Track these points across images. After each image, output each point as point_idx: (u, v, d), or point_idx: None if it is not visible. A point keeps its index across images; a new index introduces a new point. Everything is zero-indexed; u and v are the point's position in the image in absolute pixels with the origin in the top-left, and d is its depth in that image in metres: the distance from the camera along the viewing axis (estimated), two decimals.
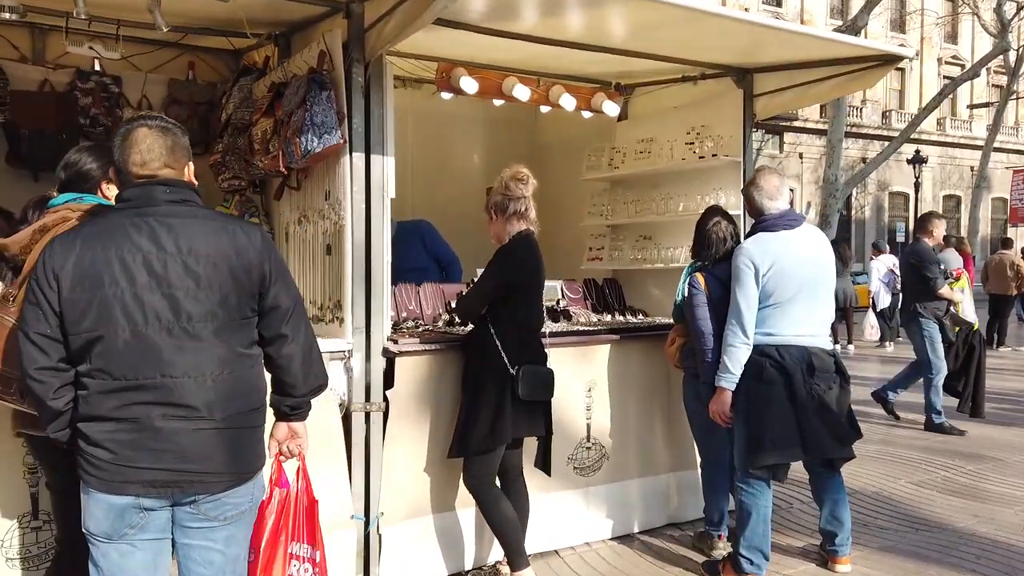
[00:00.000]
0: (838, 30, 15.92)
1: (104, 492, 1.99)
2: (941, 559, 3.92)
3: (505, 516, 3.38)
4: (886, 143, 20.91)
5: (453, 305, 4.03)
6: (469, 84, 4.37)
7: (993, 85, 34.73)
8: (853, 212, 31.88)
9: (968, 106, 32.98)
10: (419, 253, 4.93)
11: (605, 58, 4.40)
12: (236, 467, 2.09)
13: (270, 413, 2.27)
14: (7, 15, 3.33)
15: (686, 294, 3.80)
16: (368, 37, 3.42)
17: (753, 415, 3.47)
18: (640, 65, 4.65)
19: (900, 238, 30.22)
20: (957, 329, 6.77)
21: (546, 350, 3.56)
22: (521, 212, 3.45)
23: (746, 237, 3.72)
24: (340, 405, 3.47)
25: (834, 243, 13.42)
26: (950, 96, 27.18)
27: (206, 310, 2.02)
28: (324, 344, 3.42)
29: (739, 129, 4.61)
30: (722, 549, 3.92)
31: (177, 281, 2.00)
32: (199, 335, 2.02)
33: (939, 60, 34.99)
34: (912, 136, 19.41)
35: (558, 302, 4.85)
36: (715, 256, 3.78)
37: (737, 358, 3.50)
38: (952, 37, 35.16)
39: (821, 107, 28.04)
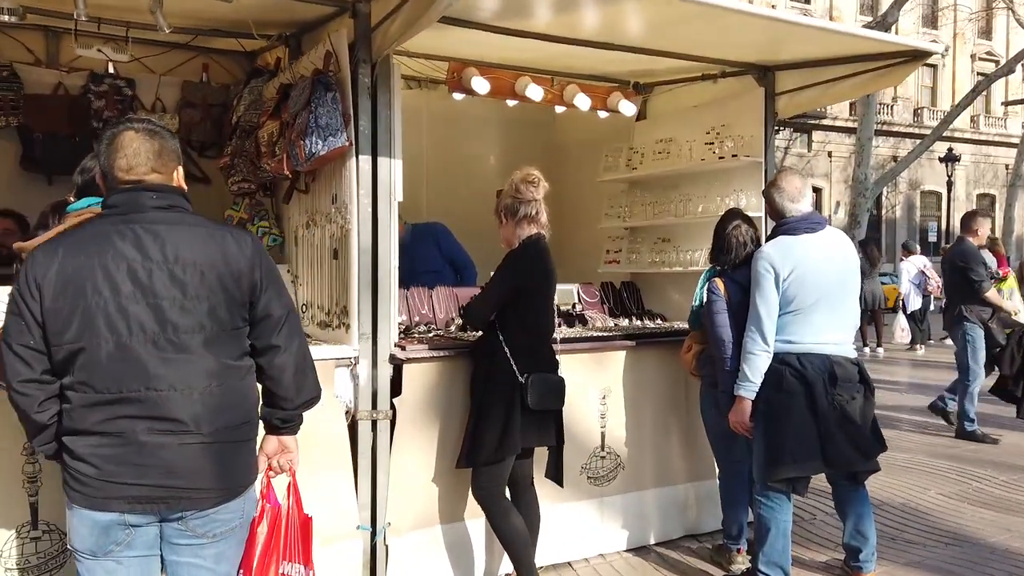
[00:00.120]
0: (868, 27, 15.61)
1: (88, 508, 1.93)
2: None
3: (515, 530, 3.29)
4: (918, 141, 20.52)
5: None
6: (481, 84, 4.29)
7: None
8: (884, 211, 31.35)
9: (1003, 103, 32.29)
10: (433, 256, 4.88)
11: (621, 56, 4.29)
12: (225, 482, 2.02)
13: (262, 425, 2.20)
14: (6, 17, 3.30)
15: (705, 300, 3.68)
16: (375, 37, 3.35)
17: (772, 426, 3.35)
18: (658, 63, 4.54)
19: (932, 238, 29.70)
20: (1009, 332, 6.46)
21: (558, 357, 3.47)
22: (532, 215, 3.36)
23: (766, 240, 3.60)
24: (346, 413, 3.41)
25: (862, 243, 13.26)
26: (984, 93, 26.56)
27: (194, 321, 1.96)
28: (330, 350, 3.40)
29: (760, 128, 4.47)
30: (741, 563, 3.80)
31: (163, 291, 1.93)
32: (186, 347, 1.95)
33: (972, 56, 34.31)
34: (944, 134, 19.03)
35: (574, 306, 4.76)
36: (734, 261, 3.66)
37: (757, 366, 3.38)
38: (986, 33, 34.46)
39: (851, 105, 27.63)
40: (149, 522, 1.97)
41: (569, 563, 3.89)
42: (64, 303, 1.90)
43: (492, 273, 3.43)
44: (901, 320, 11.79)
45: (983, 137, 34.64)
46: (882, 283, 13.87)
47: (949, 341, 12.49)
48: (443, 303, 4.37)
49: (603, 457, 4.04)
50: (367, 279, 3.41)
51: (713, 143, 4.65)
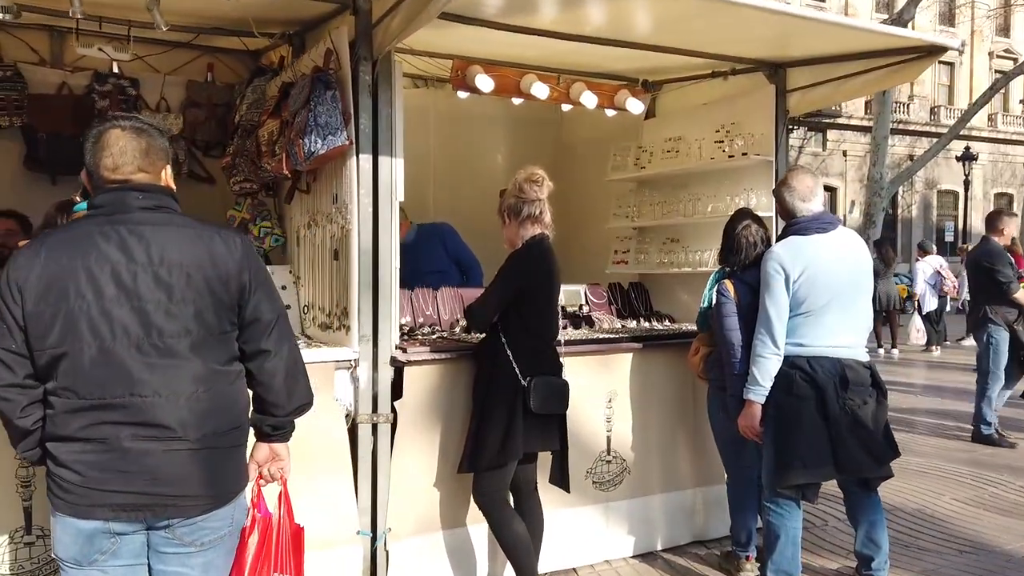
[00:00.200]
0: (884, 24, 15.43)
1: (72, 516, 1.88)
2: None
3: (517, 537, 3.22)
4: (934, 140, 20.26)
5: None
6: (485, 82, 4.22)
7: None
8: (899, 211, 31.00)
9: (1021, 101, 31.88)
10: (440, 256, 4.83)
11: (629, 53, 4.22)
12: (213, 490, 1.96)
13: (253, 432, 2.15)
14: (0, 15, 3.27)
15: (714, 302, 3.60)
16: (375, 34, 3.30)
17: (782, 431, 3.27)
18: (667, 60, 4.45)
19: (949, 238, 29.36)
20: None
21: (563, 359, 3.40)
22: (535, 216, 3.30)
23: (777, 241, 3.52)
24: (346, 416, 3.35)
25: (877, 243, 13.09)
26: (1002, 91, 26.24)
27: (179, 325, 1.90)
28: (330, 352, 3.35)
29: (771, 126, 4.38)
30: (750, 571, 3.72)
31: (147, 294, 1.88)
32: (172, 351, 1.90)
33: (990, 54, 33.87)
34: (962, 132, 18.78)
35: (581, 307, 4.69)
36: (744, 261, 3.58)
37: (767, 369, 3.30)
38: (1004, 30, 34.01)
39: (866, 103, 27.36)
40: (135, 530, 1.92)
41: (574, 569, 3.83)
42: (46, 307, 1.85)
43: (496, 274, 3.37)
44: (916, 321, 11.65)
45: (1001, 136, 34.18)
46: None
47: (965, 343, 12.40)
48: (448, 304, 4.32)
49: (609, 461, 3.96)
50: (367, 280, 3.35)
51: (723, 141, 4.57)
